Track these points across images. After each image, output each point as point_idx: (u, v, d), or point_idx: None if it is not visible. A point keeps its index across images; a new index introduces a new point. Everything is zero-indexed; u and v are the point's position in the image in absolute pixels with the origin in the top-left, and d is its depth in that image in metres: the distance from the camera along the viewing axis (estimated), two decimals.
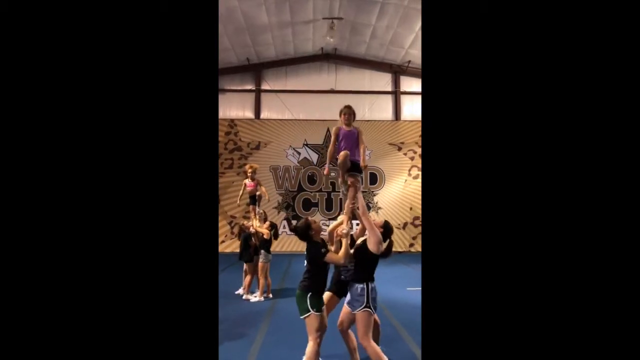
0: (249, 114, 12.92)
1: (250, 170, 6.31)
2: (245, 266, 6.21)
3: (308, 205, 12.44)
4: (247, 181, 6.35)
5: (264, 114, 12.88)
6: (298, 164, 12.58)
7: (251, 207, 6.33)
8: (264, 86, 12.83)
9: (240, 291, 6.30)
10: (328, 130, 12.09)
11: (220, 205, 12.68)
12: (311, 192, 12.49)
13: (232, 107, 12.94)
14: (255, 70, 12.75)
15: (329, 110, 11.35)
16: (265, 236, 5.92)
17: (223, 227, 12.62)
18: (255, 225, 6.04)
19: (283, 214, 12.39)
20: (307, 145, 12.64)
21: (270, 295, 6.04)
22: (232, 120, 12.79)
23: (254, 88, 12.85)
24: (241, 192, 6.52)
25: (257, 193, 6.29)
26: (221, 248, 12.35)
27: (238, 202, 7.37)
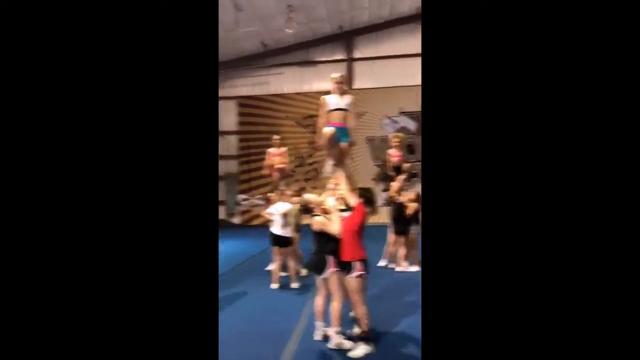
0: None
1: (397, 140, 6.05)
2: (389, 238, 6.04)
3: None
4: (393, 151, 6.12)
5: (357, 84, 12.48)
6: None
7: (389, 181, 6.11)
8: (356, 54, 12.36)
9: (382, 262, 6.15)
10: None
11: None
12: (410, 162, 11.97)
13: (325, 79, 12.66)
14: (347, 38, 12.30)
15: None
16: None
17: None
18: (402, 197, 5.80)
19: (382, 186, 12.10)
20: (403, 113, 12.09)
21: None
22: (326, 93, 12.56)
23: (345, 57, 12.45)
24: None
25: (406, 165, 6.03)
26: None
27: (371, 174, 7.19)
